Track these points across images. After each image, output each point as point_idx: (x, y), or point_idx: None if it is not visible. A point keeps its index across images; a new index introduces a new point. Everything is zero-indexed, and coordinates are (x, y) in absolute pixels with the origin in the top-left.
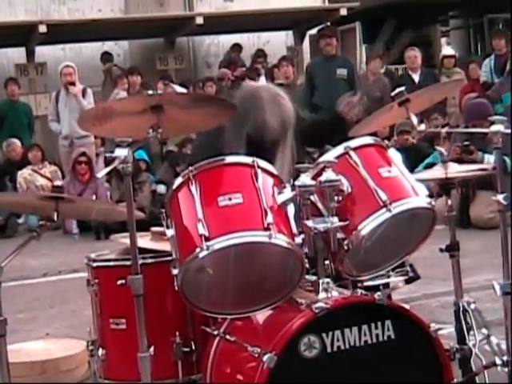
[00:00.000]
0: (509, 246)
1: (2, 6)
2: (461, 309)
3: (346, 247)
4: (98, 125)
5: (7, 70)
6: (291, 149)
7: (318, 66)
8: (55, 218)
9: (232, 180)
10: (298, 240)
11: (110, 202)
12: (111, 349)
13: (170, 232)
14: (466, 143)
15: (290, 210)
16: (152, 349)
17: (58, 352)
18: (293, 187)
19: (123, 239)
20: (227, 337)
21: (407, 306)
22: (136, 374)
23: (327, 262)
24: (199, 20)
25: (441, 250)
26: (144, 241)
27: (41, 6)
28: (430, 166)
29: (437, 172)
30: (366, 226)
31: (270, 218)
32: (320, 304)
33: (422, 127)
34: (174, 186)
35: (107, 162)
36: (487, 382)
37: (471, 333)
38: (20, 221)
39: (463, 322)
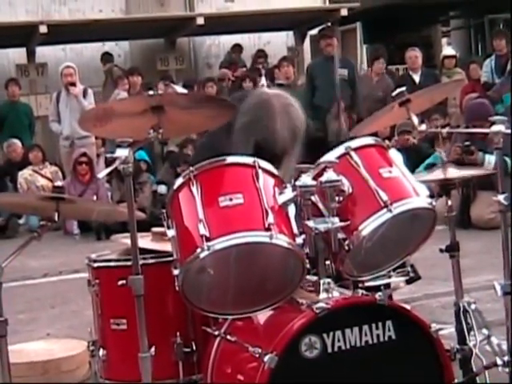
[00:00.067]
0: (509, 246)
1: (3, 6)
2: (461, 309)
3: (346, 247)
4: (98, 125)
5: (8, 70)
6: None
7: (319, 66)
8: (56, 218)
9: (233, 180)
10: (299, 240)
11: (111, 202)
12: (112, 349)
13: (171, 232)
14: (467, 143)
15: (291, 210)
16: (153, 349)
17: (59, 352)
18: (294, 187)
19: (124, 240)
20: (228, 337)
21: (408, 307)
22: (137, 374)
23: (328, 263)
24: (200, 20)
25: (441, 251)
26: (145, 241)
27: (41, 7)
28: (431, 166)
29: (437, 175)
30: (367, 227)
31: (270, 219)
32: (321, 304)
33: (423, 127)
34: (175, 187)
35: (108, 163)
36: (488, 382)
37: (472, 333)
38: (21, 221)
39: (464, 323)
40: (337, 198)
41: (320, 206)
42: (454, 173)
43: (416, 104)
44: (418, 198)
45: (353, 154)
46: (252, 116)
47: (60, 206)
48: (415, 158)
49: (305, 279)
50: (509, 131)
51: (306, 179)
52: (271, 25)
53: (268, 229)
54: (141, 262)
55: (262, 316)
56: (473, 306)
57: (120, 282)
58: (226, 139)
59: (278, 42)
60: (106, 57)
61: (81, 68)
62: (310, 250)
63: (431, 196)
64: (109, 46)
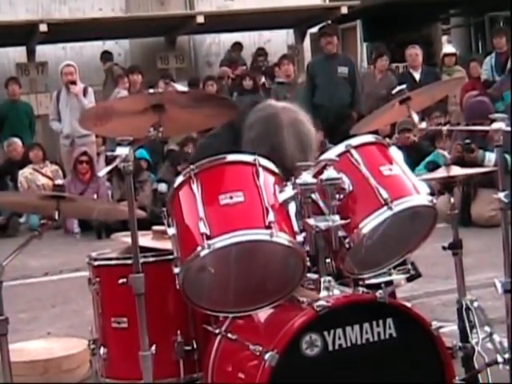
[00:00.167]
0: (510, 244)
1: (3, 5)
2: (463, 307)
3: (347, 245)
4: (99, 124)
5: (8, 69)
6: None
7: (319, 64)
8: (56, 217)
9: (233, 178)
10: (300, 238)
11: (111, 201)
12: (113, 348)
13: (172, 231)
14: (467, 141)
15: (292, 208)
16: (153, 348)
17: (60, 351)
18: (294, 185)
19: (124, 238)
20: (229, 335)
21: (409, 304)
22: (137, 372)
23: (328, 261)
24: (200, 19)
25: (443, 248)
26: (145, 240)
27: (42, 6)
28: (431, 164)
29: (440, 175)
30: (368, 225)
31: (271, 217)
32: (321, 302)
33: (423, 125)
34: (175, 185)
35: (108, 161)
36: (490, 379)
37: (474, 331)
38: (21, 220)
39: (466, 320)
40: (337, 196)
41: (320, 203)
42: (456, 171)
43: (416, 102)
44: (419, 195)
45: (353, 151)
46: (259, 130)
47: (60, 205)
48: (415, 156)
49: (305, 277)
50: (509, 129)
51: (307, 177)
52: (271, 23)
53: (268, 227)
54: (141, 260)
55: (263, 314)
56: (475, 304)
57: (121, 281)
58: (230, 145)
59: (278, 40)
60: (106, 55)
61: (81, 67)
62: (311, 248)
63: (432, 194)
64: (109, 44)
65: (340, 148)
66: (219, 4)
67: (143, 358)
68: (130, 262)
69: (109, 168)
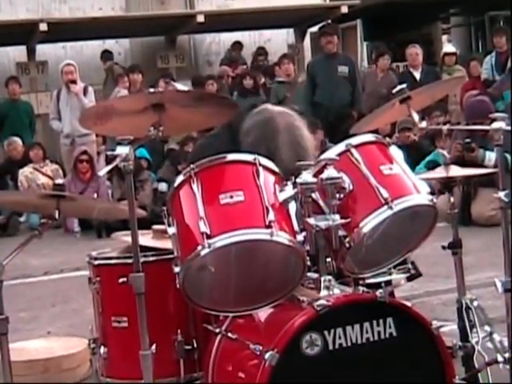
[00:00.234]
0: (510, 243)
1: (3, 4)
2: (463, 306)
3: (347, 245)
4: (99, 123)
5: (8, 68)
6: None
7: (320, 63)
8: (57, 216)
9: (233, 178)
10: (300, 238)
11: (112, 200)
12: (113, 347)
13: (172, 230)
14: (468, 140)
15: (292, 207)
16: (154, 347)
17: (60, 350)
18: (294, 185)
19: (125, 237)
20: (229, 335)
21: (409, 304)
22: (138, 372)
23: (329, 260)
24: (200, 18)
25: (443, 248)
26: (145, 239)
27: (42, 5)
28: (431, 163)
29: (439, 174)
30: (368, 224)
31: (271, 216)
32: (322, 301)
33: (424, 124)
34: (176, 184)
35: (108, 161)
36: (490, 379)
37: (474, 330)
38: (21, 219)
39: (466, 320)
40: (337, 195)
41: (321, 203)
42: (456, 171)
43: (417, 101)
44: (419, 195)
45: (353, 151)
46: (256, 134)
47: (61, 204)
48: (416, 155)
49: (305, 276)
50: (509, 128)
51: (307, 176)
52: (271, 22)
53: (269, 226)
54: (142, 259)
55: (263, 313)
56: (475, 303)
57: (121, 280)
58: (229, 145)
59: (278, 40)
60: (106, 55)
61: (81, 66)
62: (311, 248)
63: (432, 193)
64: (109, 43)
65: (340, 147)
66: (219, 3)
67: (143, 358)
68: (130, 261)
69: (109, 167)
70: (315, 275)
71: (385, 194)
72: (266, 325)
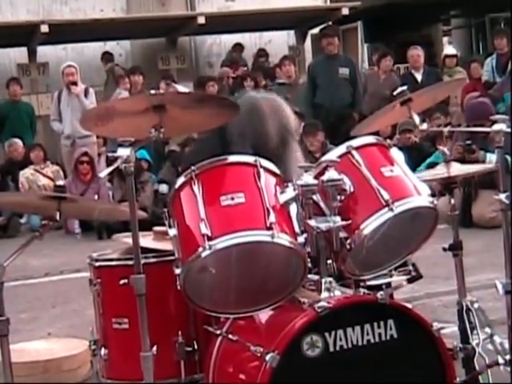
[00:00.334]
0: (510, 245)
1: (4, 5)
2: (464, 308)
3: (348, 246)
4: (100, 124)
5: (9, 69)
6: (298, 158)
7: (320, 65)
8: (57, 217)
9: (234, 179)
10: (301, 239)
11: (112, 201)
12: (114, 348)
13: (173, 231)
14: (468, 142)
15: (293, 209)
16: (154, 348)
17: (61, 352)
18: (295, 186)
19: (125, 239)
20: (229, 336)
21: (410, 305)
22: (138, 373)
23: (330, 262)
24: (201, 20)
25: (444, 249)
26: (146, 240)
27: (43, 6)
28: (432, 165)
29: (439, 171)
30: (369, 226)
31: (272, 218)
32: (322, 303)
33: (425, 126)
34: (177, 186)
35: (109, 162)
36: (490, 381)
37: (474, 332)
38: (22, 221)
39: (466, 322)
40: (338, 197)
41: (321, 204)
42: (456, 169)
43: (417, 103)
44: (420, 196)
45: (354, 152)
46: (244, 123)
47: (61, 206)
48: (416, 157)
49: (306, 278)
50: (510, 130)
51: (308, 178)
52: (272, 24)
53: (270, 228)
54: (142, 261)
55: (264, 315)
56: (476, 305)
57: (122, 282)
58: (219, 148)
59: (279, 41)
60: (107, 56)
61: (82, 67)
62: (312, 249)
63: (433, 195)
64: (110, 45)
65: (341, 149)
66: (220, 5)
67: (144, 359)
68: (131, 262)
69: (110, 169)
70: (316, 277)
71: (386, 195)
72: (266, 326)
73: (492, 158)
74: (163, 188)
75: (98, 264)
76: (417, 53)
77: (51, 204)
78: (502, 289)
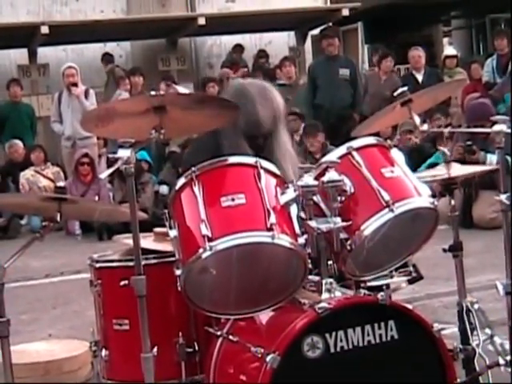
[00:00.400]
0: (511, 245)
1: (4, 7)
2: (464, 309)
3: (348, 247)
4: (100, 126)
5: (9, 71)
6: (288, 141)
7: (321, 66)
8: (58, 218)
9: (235, 180)
10: (301, 240)
11: (113, 202)
12: (114, 349)
13: (173, 233)
14: (469, 143)
15: (293, 210)
16: (155, 349)
17: (61, 353)
18: (295, 187)
19: (126, 240)
20: (230, 337)
21: (410, 306)
22: (139, 374)
23: (330, 263)
24: (201, 21)
25: (444, 250)
26: (147, 241)
27: (43, 7)
28: (433, 166)
29: (439, 172)
30: (369, 226)
31: (272, 219)
32: (323, 304)
33: (425, 127)
34: (177, 187)
35: (109, 163)
36: (491, 381)
37: (475, 333)
38: (23, 222)
39: (467, 322)
40: (339, 198)
41: (322, 205)
42: (457, 169)
43: (418, 104)
44: (420, 197)
45: (355, 153)
46: None
47: (62, 207)
48: (417, 158)
49: (307, 279)
50: (510, 131)
51: (308, 179)
52: (272, 25)
53: (270, 229)
54: (143, 262)
55: (264, 316)
56: (476, 306)
57: (122, 283)
58: (213, 140)
59: (279, 42)
60: (107, 57)
61: (82, 69)
62: (312, 250)
63: (433, 196)
64: (110, 46)
65: (341, 150)
66: (220, 6)
67: (145, 360)
68: (131, 263)
69: (111, 170)
70: (316, 278)
71: (386, 196)
72: (267, 327)
73: (492, 159)
74: (164, 189)
75: (98, 265)
76: (418, 53)
77: (52, 205)
78: (502, 290)
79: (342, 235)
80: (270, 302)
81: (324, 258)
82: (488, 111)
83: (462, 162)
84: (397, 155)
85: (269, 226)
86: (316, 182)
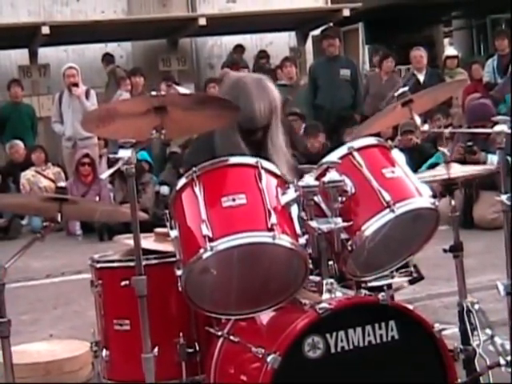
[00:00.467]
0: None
1: (5, 7)
2: (465, 309)
3: (349, 248)
4: (101, 126)
5: (10, 71)
6: (283, 137)
7: (321, 66)
8: (59, 219)
9: (236, 181)
10: (302, 241)
11: (114, 203)
12: (115, 350)
13: (174, 233)
14: (469, 143)
15: (294, 210)
16: (156, 349)
17: (62, 353)
18: (296, 188)
19: (127, 240)
20: (231, 337)
21: (411, 307)
22: (140, 374)
23: (331, 263)
24: (202, 21)
25: (444, 251)
26: (148, 242)
27: (43, 8)
28: (433, 166)
29: (440, 172)
30: (370, 227)
31: (273, 219)
32: (324, 305)
33: (426, 127)
34: (178, 187)
35: (110, 164)
36: (491, 382)
37: (475, 333)
38: (23, 222)
39: (467, 323)
40: (339, 199)
41: (323, 206)
42: (457, 169)
43: (419, 104)
44: (421, 198)
45: (355, 154)
46: (229, 98)
47: (63, 207)
48: (418, 158)
49: (308, 279)
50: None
51: (309, 179)
52: (273, 25)
53: (271, 229)
54: (144, 262)
55: (265, 316)
56: (476, 306)
57: (123, 283)
58: (210, 139)
59: (280, 43)
60: (108, 58)
61: (83, 69)
62: (313, 251)
63: (434, 196)
64: (111, 46)
65: (342, 150)
66: (221, 6)
67: (145, 360)
68: (132, 264)
69: (111, 170)
70: (317, 278)
71: (387, 197)
72: (268, 328)
73: (493, 159)
74: (164, 189)
75: (99, 265)
76: (420, 53)
77: (52, 206)
78: (503, 290)
79: (343, 235)
80: (270, 302)
81: (325, 258)
82: (489, 112)
83: (463, 162)
84: (397, 155)
85: (270, 226)
86: (317, 183)
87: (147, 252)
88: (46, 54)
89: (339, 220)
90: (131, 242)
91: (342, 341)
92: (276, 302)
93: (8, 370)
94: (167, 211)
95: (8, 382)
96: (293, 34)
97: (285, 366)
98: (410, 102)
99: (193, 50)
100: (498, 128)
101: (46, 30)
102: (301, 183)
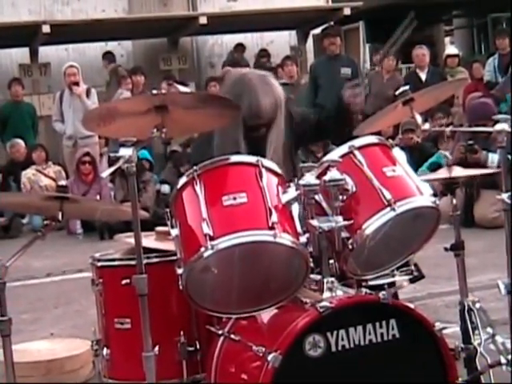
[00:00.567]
0: None
1: (6, 6)
2: (466, 308)
3: (350, 246)
4: (102, 125)
5: (11, 70)
6: (281, 134)
7: (322, 65)
8: (59, 218)
9: (236, 179)
10: (303, 239)
11: (114, 201)
12: (116, 348)
13: (175, 231)
14: (470, 142)
15: (295, 209)
16: (156, 348)
17: (63, 352)
18: (297, 186)
19: (127, 239)
20: (232, 336)
21: (412, 305)
22: (141, 373)
23: (332, 262)
24: (203, 20)
25: (445, 250)
26: (148, 240)
27: (44, 7)
28: (434, 165)
29: (441, 176)
30: (371, 226)
31: (274, 218)
32: (324, 303)
33: (427, 126)
34: (179, 186)
35: (111, 162)
36: (492, 381)
37: (476, 332)
38: (24, 221)
39: (468, 322)
40: (340, 197)
41: (324, 204)
42: (459, 172)
43: (420, 103)
44: (422, 196)
45: (356, 152)
46: (233, 95)
47: (63, 206)
48: (418, 157)
49: (308, 278)
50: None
51: (310, 178)
52: (274, 24)
53: (272, 228)
54: (145, 261)
55: (266, 315)
56: (477, 305)
57: (124, 282)
58: (211, 133)
59: (280, 42)
60: (108, 56)
61: (84, 68)
62: (314, 249)
63: (435, 195)
64: (111, 45)
65: (343, 149)
66: (222, 5)
67: (146, 359)
68: (133, 262)
69: (112, 169)
70: (318, 277)
71: (388, 195)
72: (268, 326)
73: (494, 158)
74: (165, 188)
75: (100, 264)
76: (422, 52)
77: (53, 204)
78: (504, 289)
79: (344, 234)
80: (271, 300)
81: (325, 256)
82: (489, 111)
83: (464, 161)
84: (398, 154)
85: (270, 224)
86: (318, 181)
87: (148, 251)
88: (46, 52)
89: (340, 219)
90: (132, 240)
91: (342, 339)
92: (277, 300)
93: (9, 368)
94: (168, 210)
95: (9, 380)
96: (293, 32)
97: (285, 364)
98: (411, 101)
99: (193, 49)
100: (498, 127)
101: (46, 28)
102: (302, 182)
